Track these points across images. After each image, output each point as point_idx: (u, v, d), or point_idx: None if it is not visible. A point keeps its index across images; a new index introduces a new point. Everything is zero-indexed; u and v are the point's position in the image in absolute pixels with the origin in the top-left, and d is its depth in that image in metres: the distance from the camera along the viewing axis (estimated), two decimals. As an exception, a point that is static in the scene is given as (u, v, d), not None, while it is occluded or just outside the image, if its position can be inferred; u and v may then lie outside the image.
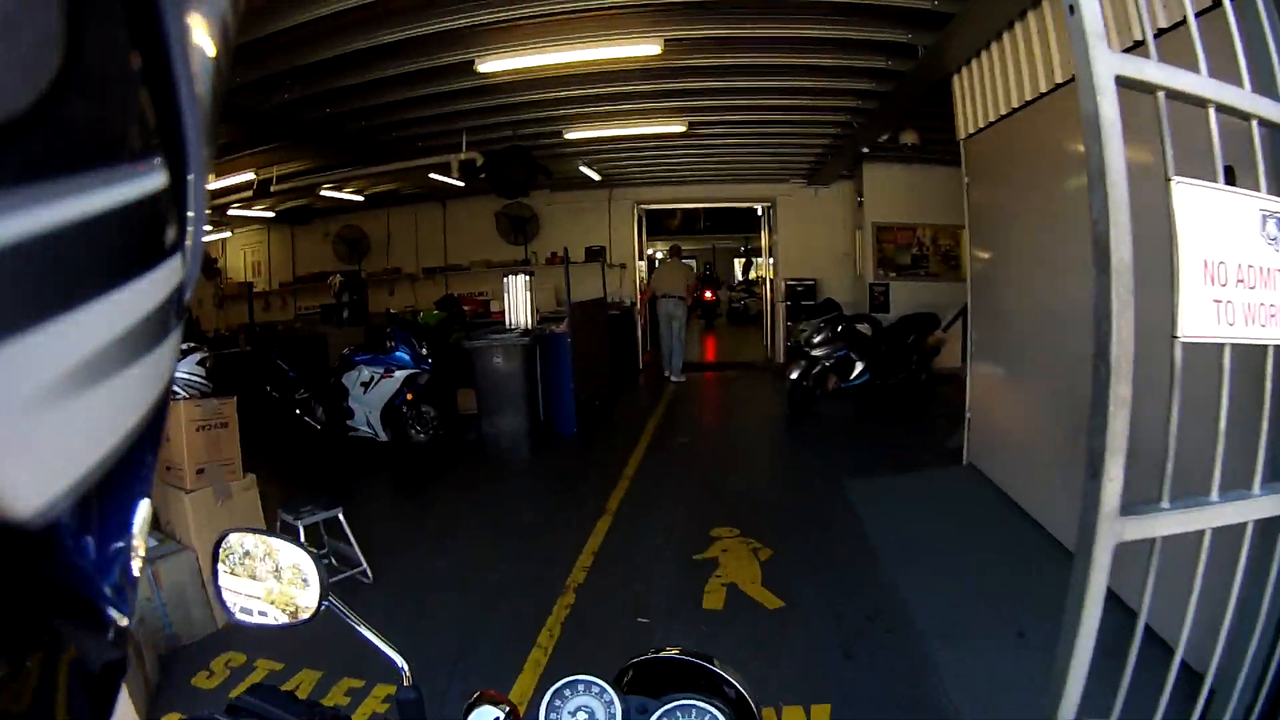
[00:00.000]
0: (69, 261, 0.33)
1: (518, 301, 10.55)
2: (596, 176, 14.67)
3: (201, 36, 0.42)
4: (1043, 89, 6.17)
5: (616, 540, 6.73)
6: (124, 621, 0.41)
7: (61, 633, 0.37)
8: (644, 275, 17.93)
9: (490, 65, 7.90)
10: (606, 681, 1.36)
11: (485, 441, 9.68)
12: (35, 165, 0.31)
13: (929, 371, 12.61)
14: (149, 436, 0.40)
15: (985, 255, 8.16)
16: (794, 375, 11.77)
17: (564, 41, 7.55)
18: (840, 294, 14.67)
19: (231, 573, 1.42)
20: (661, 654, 1.50)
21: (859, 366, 11.93)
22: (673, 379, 15.19)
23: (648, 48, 7.60)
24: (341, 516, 5.73)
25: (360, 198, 15.12)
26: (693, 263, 20.60)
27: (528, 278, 10.61)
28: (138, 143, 0.38)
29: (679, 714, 1.29)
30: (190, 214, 0.42)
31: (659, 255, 24.29)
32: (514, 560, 6.32)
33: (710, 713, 1.28)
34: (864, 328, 12.24)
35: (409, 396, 9.70)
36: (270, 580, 1.39)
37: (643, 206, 17.59)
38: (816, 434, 10.87)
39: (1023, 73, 6.46)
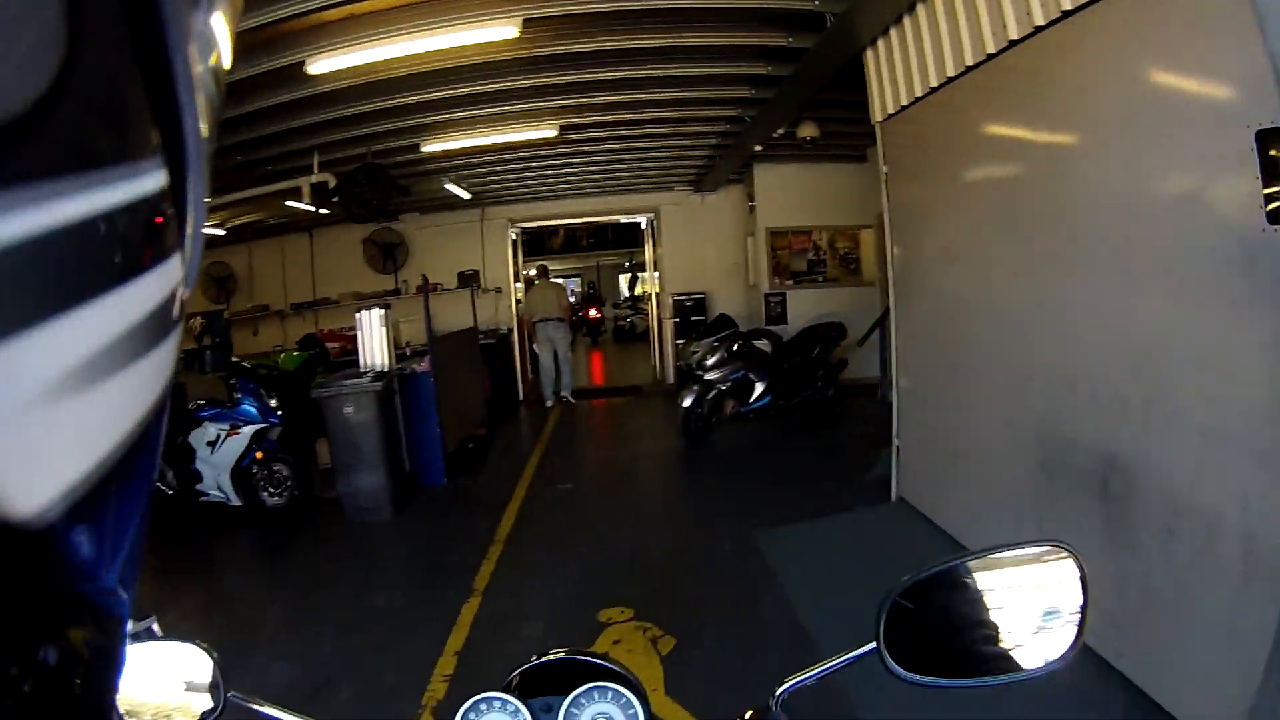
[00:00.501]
0: (69, 261, 0.34)
1: (373, 340, 9.20)
2: (466, 195, 13.68)
3: (202, 36, 0.42)
4: (986, 54, 5.14)
5: (486, 632, 5.46)
6: (124, 621, 0.41)
7: (60, 633, 0.36)
8: (520, 298, 17.09)
9: (322, 65, 6.76)
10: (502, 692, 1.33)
11: (342, 502, 8.38)
12: (35, 165, 0.31)
13: (836, 386, 11.65)
14: (149, 437, 0.40)
15: (909, 256, 7.08)
16: (687, 403, 10.63)
17: (405, 30, 6.40)
18: (733, 307, 13.99)
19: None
20: (546, 658, 1.46)
21: (759, 388, 10.81)
22: (565, 396, 14.93)
23: (503, 30, 6.47)
24: (156, 627, 4.43)
25: (221, 231, 13.88)
26: (564, 281, 20.49)
27: (382, 312, 9.28)
28: (138, 143, 0.38)
29: (584, 700, 1.29)
30: (189, 214, 0.42)
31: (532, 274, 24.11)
32: (360, 668, 5.12)
33: (617, 691, 1.29)
34: (762, 344, 11.13)
35: (258, 455, 8.55)
36: (151, 698, 1.25)
37: (518, 225, 16.89)
38: (718, 469, 9.71)
39: (961, 37, 5.42)
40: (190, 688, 1.27)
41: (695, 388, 10.64)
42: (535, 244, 26.32)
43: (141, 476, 0.41)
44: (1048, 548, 1.17)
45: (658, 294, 17.09)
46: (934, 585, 1.19)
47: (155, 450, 0.42)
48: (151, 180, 0.38)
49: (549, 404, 14.79)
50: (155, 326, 0.39)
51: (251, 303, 15.74)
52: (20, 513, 0.32)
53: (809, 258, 14.01)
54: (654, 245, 16.95)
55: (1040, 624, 1.14)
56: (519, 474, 9.90)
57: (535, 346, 15.07)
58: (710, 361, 10.61)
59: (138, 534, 0.42)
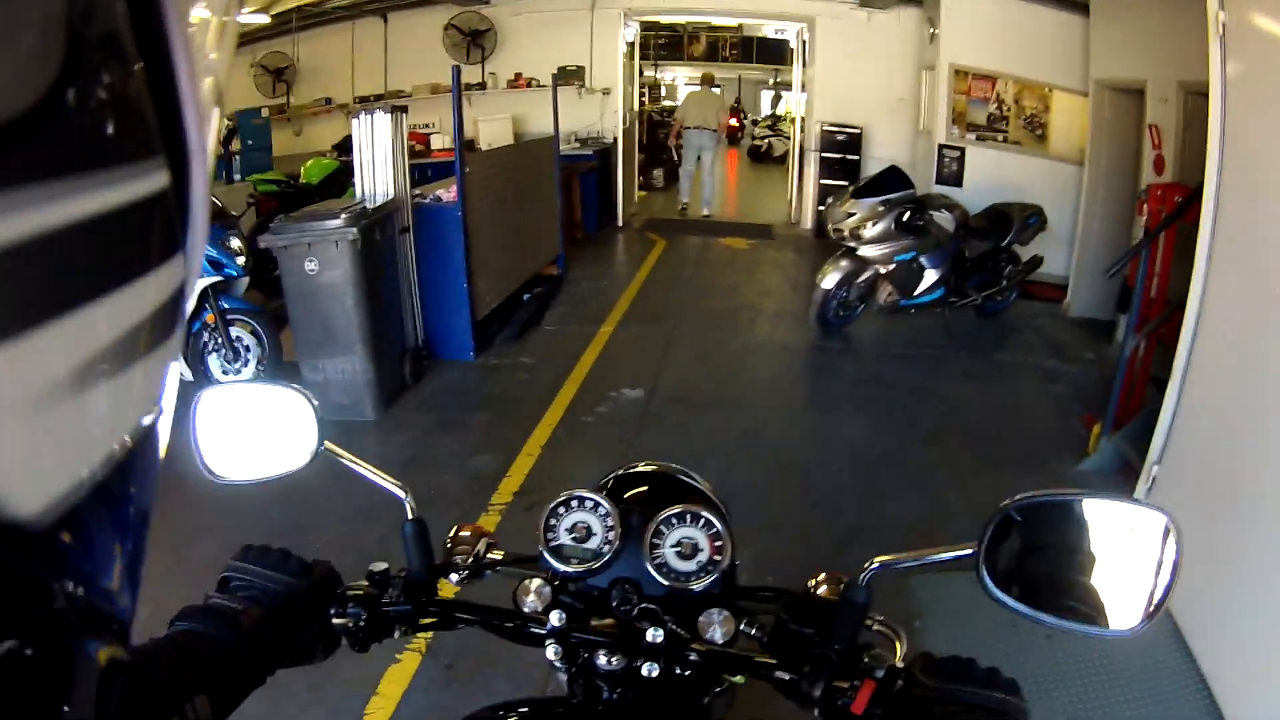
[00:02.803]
0: (71, 262, 0.34)
1: (373, 158, 6.58)
2: None
3: (202, 36, 0.43)
4: None
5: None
6: (127, 621, 0.41)
7: (63, 633, 0.36)
8: (637, 100, 16.03)
9: None
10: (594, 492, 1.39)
11: (313, 390, 5.75)
12: (38, 166, 0.32)
13: (1021, 289, 8.89)
14: (151, 437, 0.41)
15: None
16: (829, 283, 7.81)
17: None
18: (895, 153, 11.53)
19: (213, 431, 1.37)
20: (640, 468, 1.60)
21: (931, 276, 7.97)
22: (707, 212, 14.58)
23: None
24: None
25: (265, 19, 12.15)
26: (722, 91, 18.14)
27: (388, 116, 6.56)
28: (140, 142, 0.38)
29: (675, 520, 1.35)
30: (191, 214, 0.43)
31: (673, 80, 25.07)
32: None
33: (705, 517, 1.34)
34: (944, 219, 8.08)
35: (209, 319, 6.38)
36: (258, 430, 1.39)
37: (636, 18, 14.22)
38: (854, 400, 6.81)
39: None
40: (291, 430, 1.37)
41: (844, 263, 7.83)
42: (673, 49, 24.92)
43: (144, 476, 0.40)
44: (1156, 513, 1.14)
45: (803, 119, 14.30)
46: (1043, 513, 1.20)
47: (158, 449, 0.41)
48: (154, 180, 0.38)
49: (684, 203, 14.92)
50: (159, 325, 0.39)
51: (313, 97, 14.08)
52: (22, 513, 0.31)
53: (990, 110, 11.18)
54: (804, 64, 14.21)
55: (1128, 584, 1.14)
56: (577, 355, 7.40)
57: (679, 154, 15.14)
58: (871, 231, 7.69)
59: (141, 533, 0.41)
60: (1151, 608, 1.10)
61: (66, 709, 0.35)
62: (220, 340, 6.33)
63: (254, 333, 6.39)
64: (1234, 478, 3.70)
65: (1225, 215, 4.06)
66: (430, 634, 3.55)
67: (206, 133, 0.42)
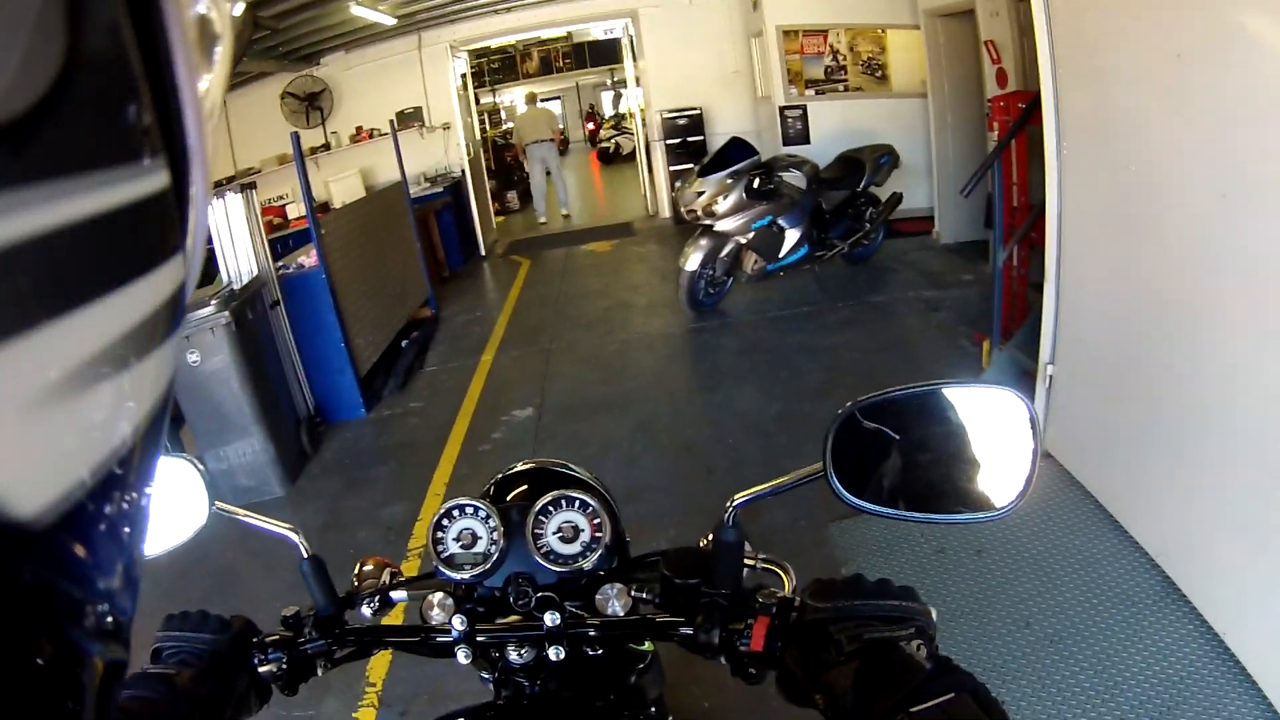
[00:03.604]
0: (71, 262, 0.34)
1: (232, 240, 6.40)
2: (387, 19, 11.61)
3: (203, 36, 0.43)
4: None
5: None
6: (127, 621, 0.41)
7: (62, 633, 0.35)
8: (478, 129, 16.70)
9: None
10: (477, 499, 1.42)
11: (217, 482, 5.64)
12: (36, 165, 0.32)
13: (886, 228, 8.94)
14: (150, 437, 0.41)
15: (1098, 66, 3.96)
16: (692, 265, 7.77)
17: None
18: (739, 125, 11.72)
19: None
20: (518, 467, 1.67)
21: (792, 237, 7.95)
22: (566, 213, 16.28)
23: None
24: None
25: None
26: (551, 106, 20.78)
27: (239, 195, 6.36)
28: (139, 143, 0.37)
29: (551, 509, 1.38)
30: (191, 215, 0.43)
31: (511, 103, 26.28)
32: None
33: (579, 499, 1.38)
34: (794, 177, 8.07)
35: None
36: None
37: (463, 49, 14.53)
38: (740, 371, 6.80)
39: None
40: (181, 499, 1.37)
41: (703, 242, 7.78)
42: (507, 70, 26.23)
43: (142, 476, 0.40)
44: (1000, 390, 1.17)
45: (642, 111, 14.53)
46: (885, 412, 1.19)
47: (156, 451, 0.42)
48: (153, 180, 0.38)
49: (542, 221, 15.94)
50: (160, 325, 0.40)
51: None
52: (21, 513, 0.31)
53: (826, 64, 11.43)
54: (635, 58, 14.47)
55: (991, 467, 1.16)
56: (463, 389, 7.27)
57: (526, 167, 16.49)
58: (723, 205, 7.65)
59: (141, 533, 0.42)
60: (1025, 482, 1.11)
61: (66, 710, 0.35)
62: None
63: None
64: (1125, 360, 3.83)
65: (1068, 109, 4.14)
66: (377, 686, 3.69)
67: (206, 133, 0.42)
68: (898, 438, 1.17)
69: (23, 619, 0.32)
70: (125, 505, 0.39)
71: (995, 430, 1.15)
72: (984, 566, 3.78)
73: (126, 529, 0.39)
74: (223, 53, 0.45)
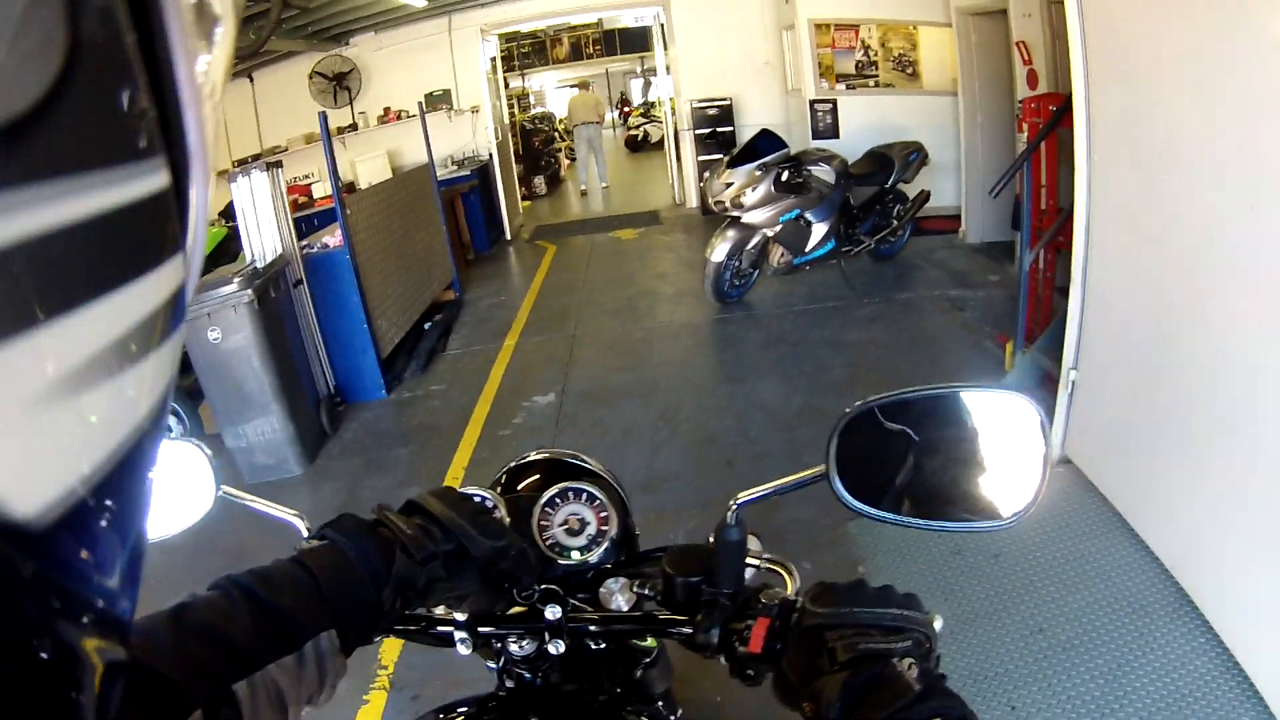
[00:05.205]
0: (71, 262, 0.34)
1: (256, 218, 6.41)
2: (419, 2, 11.78)
3: (203, 19, 0.43)
4: None
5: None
6: (127, 621, 0.41)
7: (63, 634, 0.36)
8: (507, 113, 16.52)
9: None
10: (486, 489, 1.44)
11: (235, 460, 6.02)
12: (36, 165, 0.32)
13: (914, 225, 8.91)
14: (150, 437, 0.41)
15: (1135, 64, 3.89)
16: (719, 256, 7.75)
17: None
18: (768, 117, 11.56)
19: None
20: (530, 457, 1.64)
21: (819, 231, 7.93)
22: (604, 185, 18.45)
23: None
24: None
25: None
26: (596, 92, 20.78)
27: (264, 174, 6.36)
28: (139, 143, 0.37)
29: (559, 500, 1.43)
30: (191, 214, 0.43)
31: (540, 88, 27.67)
32: None
33: (586, 491, 1.43)
34: (823, 171, 8.04)
35: None
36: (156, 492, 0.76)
37: (493, 33, 14.24)
38: (765, 364, 6.78)
39: None
40: (188, 482, 1.37)
41: (730, 233, 7.76)
42: (537, 55, 26.37)
43: (142, 476, 0.40)
44: (1012, 395, 1.14)
45: (672, 100, 14.38)
46: (891, 415, 1.16)
47: (155, 450, 0.42)
48: (154, 180, 0.38)
49: (583, 189, 18.30)
50: (160, 325, 0.40)
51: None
52: (21, 513, 0.31)
53: (857, 58, 11.33)
54: (665, 46, 14.23)
55: (999, 475, 1.13)
56: (485, 373, 7.29)
57: (574, 145, 18.97)
58: (751, 197, 7.62)
59: (139, 533, 0.42)
60: (1035, 490, 1.08)
61: (67, 710, 0.35)
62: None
63: (174, 413, 6.19)
64: (1148, 368, 3.78)
65: (1099, 112, 4.10)
66: (389, 669, 3.76)
67: (207, 133, 0.42)
68: (904, 441, 1.15)
69: (22, 619, 0.33)
70: (125, 505, 0.39)
71: (1005, 437, 1.12)
72: (1000, 570, 3.77)
73: (127, 529, 0.40)
74: (224, 33, 0.45)
